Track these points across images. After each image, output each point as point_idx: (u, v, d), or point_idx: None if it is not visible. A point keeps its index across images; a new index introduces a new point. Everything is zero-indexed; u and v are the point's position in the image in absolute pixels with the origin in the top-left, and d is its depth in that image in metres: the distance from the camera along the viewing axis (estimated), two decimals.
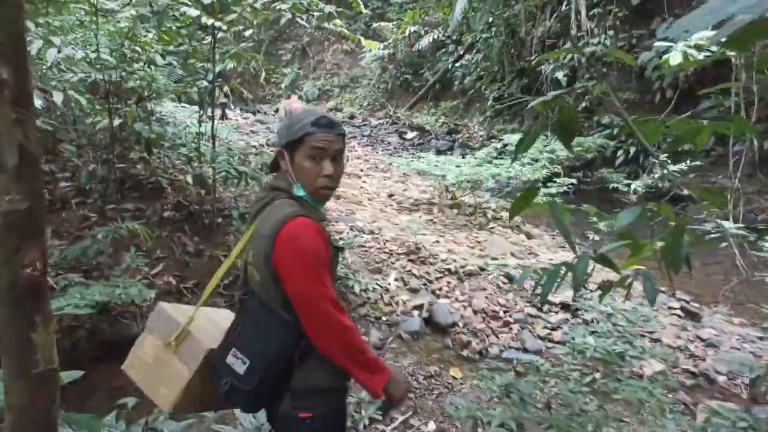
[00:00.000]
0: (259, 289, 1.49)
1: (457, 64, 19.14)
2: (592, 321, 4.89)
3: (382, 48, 22.09)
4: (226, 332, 1.58)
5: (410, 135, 17.45)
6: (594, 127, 11.31)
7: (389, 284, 5.42)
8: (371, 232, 6.47)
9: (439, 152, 13.71)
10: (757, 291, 6.29)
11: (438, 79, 20.22)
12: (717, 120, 1.54)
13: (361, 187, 9.44)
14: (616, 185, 10.47)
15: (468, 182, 7.63)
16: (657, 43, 10.59)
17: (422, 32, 20.50)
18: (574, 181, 7.48)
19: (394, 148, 15.60)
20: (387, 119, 20.68)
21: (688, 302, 5.53)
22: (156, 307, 1.70)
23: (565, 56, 12.02)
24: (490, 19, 15.72)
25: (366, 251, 6.00)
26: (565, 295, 5.20)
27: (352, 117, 22.06)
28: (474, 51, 18.07)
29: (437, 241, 6.41)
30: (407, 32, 20.58)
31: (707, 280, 6.63)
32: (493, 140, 15.66)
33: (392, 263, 5.81)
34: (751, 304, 5.83)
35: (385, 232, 6.50)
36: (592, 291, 5.32)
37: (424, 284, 5.49)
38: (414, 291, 5.42)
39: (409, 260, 5.84)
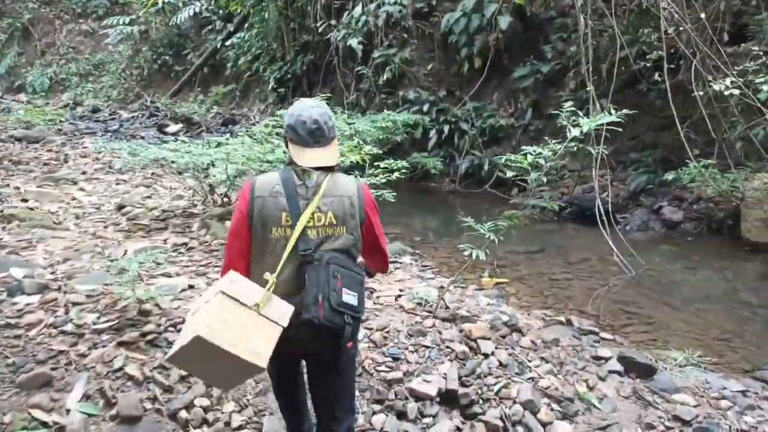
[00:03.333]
0: (335, 240, 1.77)
1: (228, 43, 15.87)
2: (504, 424, 2.49)
3: (127, 22, 17.60)
4: (309, 285, 1.68)
5: (173, 128, 13.67)
6: (399, 104, 9.35)
7: (67, 413, 2.33)
8: (45, 289, 3.16)
9: None
10: (645, 292, 4.72)
11: (205, 62, 16.67)
12: None
13: (74, 199, 5.83)
14: (434, 171, 8.64)
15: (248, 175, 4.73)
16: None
17: (180, 4, 16.68)
18: (406, 164, 5.17)
19: (149, 144, 11.77)
20: (144, 111, 16.41)
21: (611, 338, 3.54)
22: (229, 276, 1.67)
23: (357, 21, 9.84)
24: None
25: (20, 335, 2.72)
26: (443, 373, 2.70)
27: (95, 111, 17.10)
28: (246, 26, 15.05)
29: (191, 287, 3.42)
30: (160, 3, 16.52)
31: (580, 288, 4.88)
32: (280, 129, 13.01)
33: (83, 357, 2.66)
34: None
35: (77, 285, 3.25)
36: (486, 355, 2.94)
37: (154, 400, 2.48)
38: (131, 420, 2.37)
39: (122, 343, 2.74)
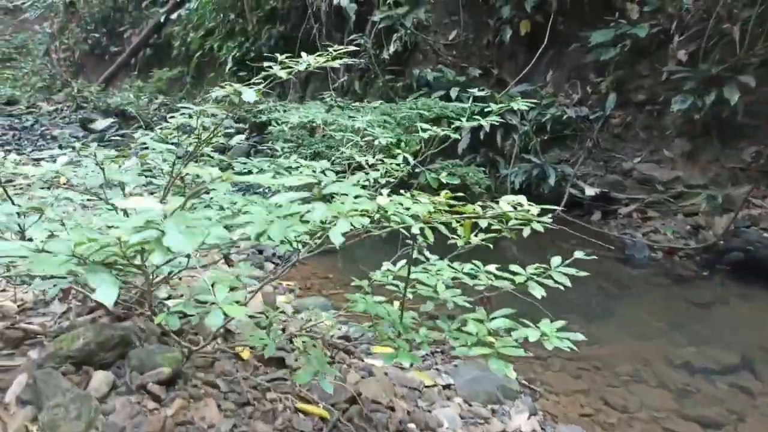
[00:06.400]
0: None
1: (174, 17, 12.74)
2: None
3: None
4: None
5: (102, 123, 10.58)
6: (413, 88, 6.52)
7: None
8: None
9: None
10: None
11: (146, 40, 13.46)
12: None
13: None
14: (475, 188, 5.84)
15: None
16: None
17: None
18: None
19: (61, 146, 8.68)
20: (70, 102, 13.22)
21: None
22: None
23: None
24: None
25: None
26: None
27: (11, 102, 13.80)
28: None
29: None
30: None
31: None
32: (240, 124, 10.09)
33: None
34: None
35: None
36: None
37: None
38: None
39: None
